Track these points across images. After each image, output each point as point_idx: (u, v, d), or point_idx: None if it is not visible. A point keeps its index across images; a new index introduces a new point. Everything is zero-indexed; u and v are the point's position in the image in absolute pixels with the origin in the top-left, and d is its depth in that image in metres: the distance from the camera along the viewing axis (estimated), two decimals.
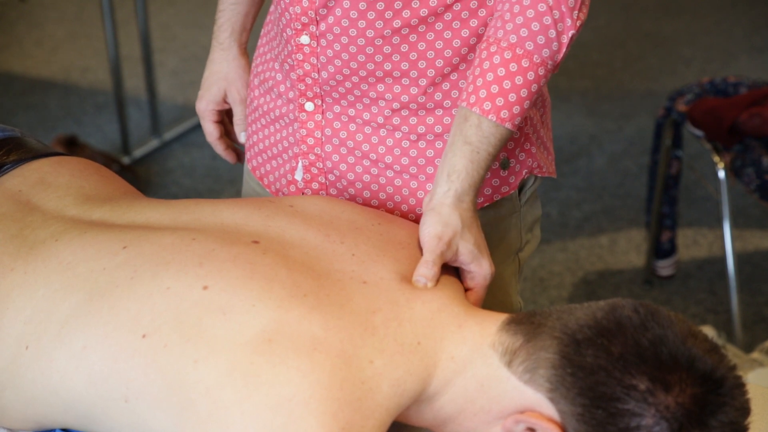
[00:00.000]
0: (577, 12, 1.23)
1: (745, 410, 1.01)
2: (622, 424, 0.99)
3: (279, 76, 1.40)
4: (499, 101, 1.21)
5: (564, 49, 1.23)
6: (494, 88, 1.21)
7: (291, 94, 1.38)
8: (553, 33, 1.22)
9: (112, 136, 3.62)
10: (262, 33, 1.47)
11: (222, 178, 3.40)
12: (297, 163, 1.39)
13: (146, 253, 1.13)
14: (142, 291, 1.09)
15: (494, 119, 1.21)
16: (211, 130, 1.53)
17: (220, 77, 1.52)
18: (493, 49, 1.22)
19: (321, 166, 1.38)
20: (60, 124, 3.69)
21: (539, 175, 1.42)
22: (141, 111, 3.75)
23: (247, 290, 1.07)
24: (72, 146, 3.22)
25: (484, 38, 1.24)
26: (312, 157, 1.38)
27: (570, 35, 1.22)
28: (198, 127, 3.71)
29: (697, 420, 0.98)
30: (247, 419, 0.99)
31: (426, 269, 1.16)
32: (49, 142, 3.17)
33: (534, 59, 1.22)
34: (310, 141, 1.37)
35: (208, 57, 1.54)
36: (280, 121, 1.41)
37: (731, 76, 2.73)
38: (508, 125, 1.22)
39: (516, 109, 1.22)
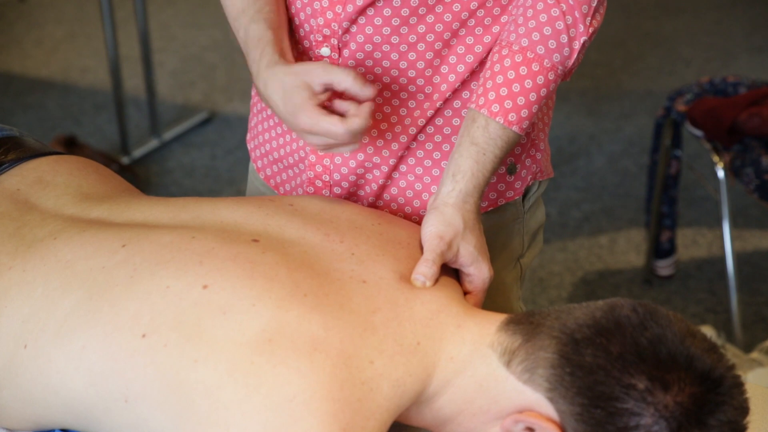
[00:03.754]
0: (590, 19, 1.23)
1: (743, 409, 1.01)
2: (621, 424, 0.98)
3: None
4: (508, 104, 1.21)
5: (575, 55, 1.23)
6: (503, 91, 1.21)
7: None
8: (564, 38, 1.21)
9: (111, 136, 3.61)
10: None
11: (221, 178, 3.40)
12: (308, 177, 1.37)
13: (145, 252, 1.13)
14: (142, 290, 1.09)
15: (501, 121, 1.21)
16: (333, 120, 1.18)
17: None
18: (504, 52, 1.22)
19: (327, 179, 1.36)
20: (59, 124, 3.68)
21: (541, 179, 1.41)
22: (140, 111, 3.74)
23: (247, 289, 1.07)
24: (71, 146, 3.22)
25: (497, 41, 1.24)
26: (319, 169, 1.35)
27: (582, 41, 1.22)
28: (197, 127, 3.71)
29: (696, 419, 0.98)
30: (248, 420, 0.99)
31: (425, 268, 1.15)
32: (48, 142, 3.17)
33: (544, 63, 1.21)
34: (323, 159, 1.35)
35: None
36: (291, 133, 1.38)
37: (731, 76, 2.73)
38: (515, 128, 1.22)
39: (524, 113, 1.22)
